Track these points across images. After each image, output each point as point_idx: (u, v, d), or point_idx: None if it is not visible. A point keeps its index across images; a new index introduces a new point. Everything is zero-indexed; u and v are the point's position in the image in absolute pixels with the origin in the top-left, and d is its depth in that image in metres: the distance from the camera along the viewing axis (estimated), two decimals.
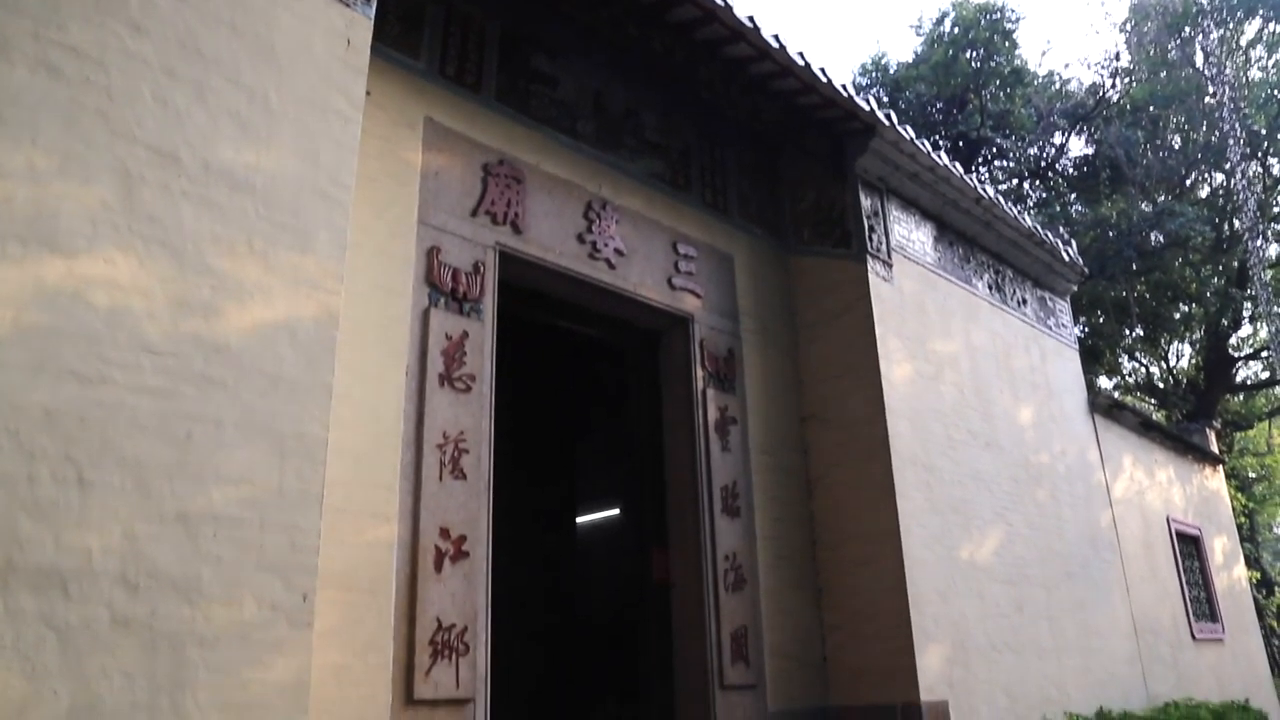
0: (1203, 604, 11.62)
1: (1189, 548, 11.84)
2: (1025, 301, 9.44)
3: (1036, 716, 6.90)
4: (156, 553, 3.21)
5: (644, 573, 6.18)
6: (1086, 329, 20.87)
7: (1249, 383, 24.96)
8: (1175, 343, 24.01)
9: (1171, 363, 24.53)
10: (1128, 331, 21.68)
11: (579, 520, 8.34)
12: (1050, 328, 9.79)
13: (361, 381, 4.43)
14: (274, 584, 3.49)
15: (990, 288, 8.82)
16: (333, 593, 3.98)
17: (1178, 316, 21.91)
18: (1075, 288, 10.66)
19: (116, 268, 3.33)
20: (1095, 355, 20.94)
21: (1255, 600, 16.20)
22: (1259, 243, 20.35)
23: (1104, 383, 20.71)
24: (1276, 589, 26.76)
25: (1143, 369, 24.63)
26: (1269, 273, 22.25)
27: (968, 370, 7.86)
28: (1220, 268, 20.23)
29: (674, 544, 6.10)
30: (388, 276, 4.75)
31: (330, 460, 3.86)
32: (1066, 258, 9.88)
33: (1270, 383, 23.74)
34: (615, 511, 7.54)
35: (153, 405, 3.31)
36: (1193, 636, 10.86)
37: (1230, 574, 13.18)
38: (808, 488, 6.85)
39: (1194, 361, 23.99)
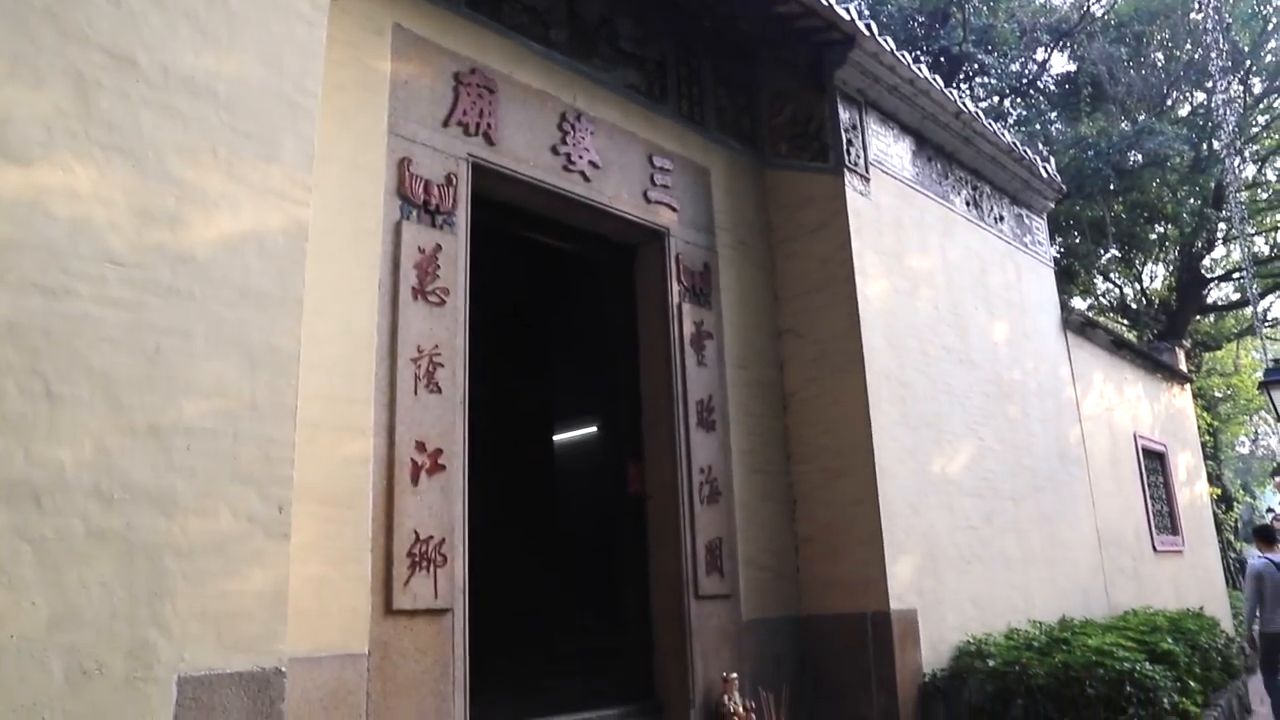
0: (1165, 518, 11.93)
1: (1154, 463, 12.11)
2: (1002, 218, 9.42)
3: (1002, 624, 7.10)
4: (129, 465, 3.20)
5: (620, 486, 6.24)
6: (1063, 249, 20.92)
7: (1219, 304, 25.26)
8: (1149, 264, 24.17)
9: (1145, 283, 24.73)
10: (1103, 252, 21.78)
11: (556, 434, 8.39)
12: (1026, 245, 9.80)
13: (333, 295, 4.38)
14: (249, 496, 3.50)
15: (968, 204, 8.79)
16: (310, 506, 4.00)
17: (1153, 237, 22.01)
18: (1052, 205, 10.65)
19: (75, 177, 3.24)
20: (1070, 275, 21.05)
21: (1215, 515, 16.63)
22: (1236, 162, 20.38)
23: (1078, 303, 20.83)
24: (1235, 505, 27.50)
25: (1116, 290, 24.82)
26: (1244, 194, 22.35)
27: (943, 286, 7.88)
28: (1197, 188, 20.23)
29: (649, 457, 6.15)
30: (358, 188, 4.66)
31: (303, 374, 3.84)
32: (1044, 174, 9.84)
33: (1240, 304, 23.99)
34: (592, 426, 7.59)
35: (119, 317, 3.27)
36: (1154, 549, 11.18)
37: (1192, 489, 13.52)
38: (782, 402, 6.90)
39: (1167, 282, 24.18)
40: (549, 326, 7.91)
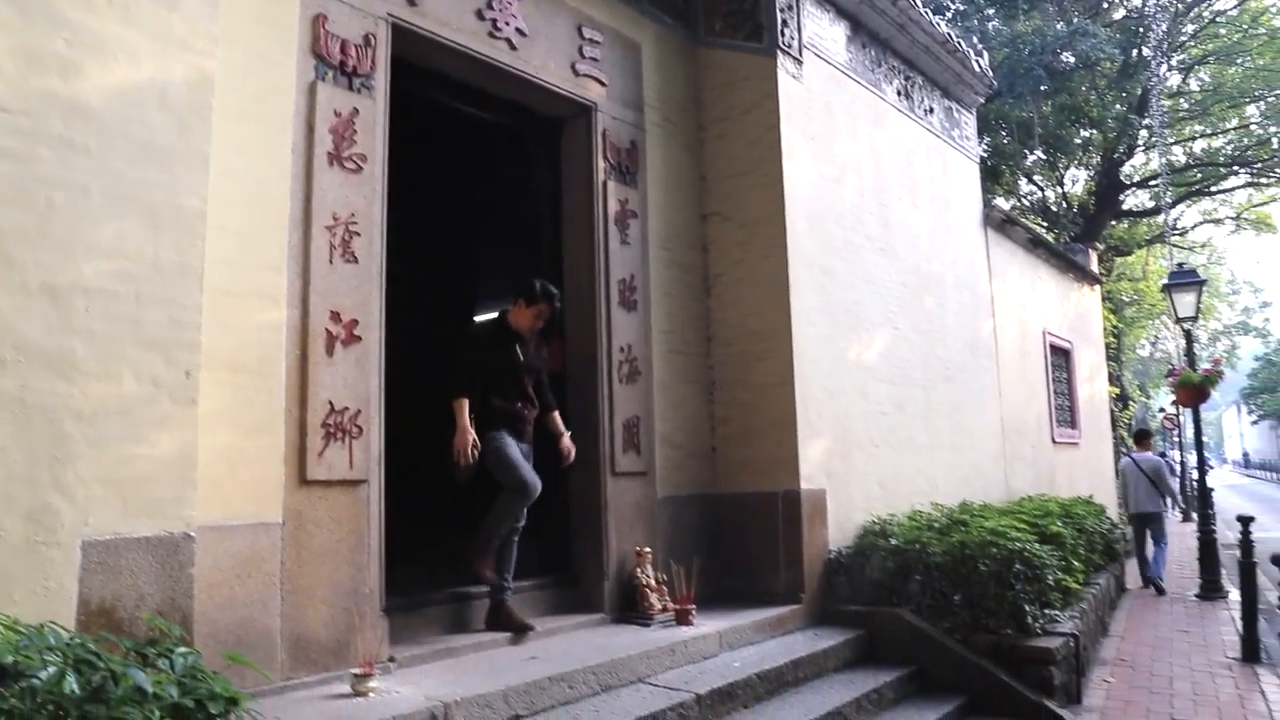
0: (1065, 412, 12.47)
1: (1060, 359, 12.58)
2: (932, 110, 9.43)
3: (906, 506, 7.40)
4: (24, 325, 3.08)
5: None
6: (990, 148, 21.12)
7: (1135, 211, 25.94)
8: (1073, 167, 24.61)
9: (1066, 187, 25.21)
10: (1029, 153, 22.04)
11: (480, 312, 8.29)
12: (954, 139, 9.85)
13: (243, 157, 4.18)
14: (154, 360, 3.41)
15: (899, 94, 8.76)
16: (220, 374, 3.92)
17: (1078, 141, 22.31)
18: (982, 100, 10.68)
19: None
20: (996, 175, 21.32)
21: (1111, 412, 17.46)
22: (1163, 70, 20.62)
23: (1002, 203, 21.16)
24: (1131, 404, 28.83)
25: (1039, 192, 25.26)
26: (1167, 102, 22.73)
27: (870, 175, 7.91)
28: (1124, 94, 20.48)
29: (570, 336, 6.15)
30: (268, 45, 4.40)
31: (212, 239, 3.70)
32: (977, 68, 9.83)
33: (1153, 211, 24.66)
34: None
35: (5, 169, 3.09)
36: (1053, 440, 11.72)
37: (1093, 386, 14.12)
38: (705, 284, 6.93)
39: (1087, 187, 24.69)
40: (473, 201, 7.72)
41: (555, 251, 6.35)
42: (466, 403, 5.07)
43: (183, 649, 2.91)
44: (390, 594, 4.70)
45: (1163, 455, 10.43)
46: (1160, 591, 10.53)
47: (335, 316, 4.45)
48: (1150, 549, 10.86)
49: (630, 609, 5.80)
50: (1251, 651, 6.96)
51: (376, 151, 4.77)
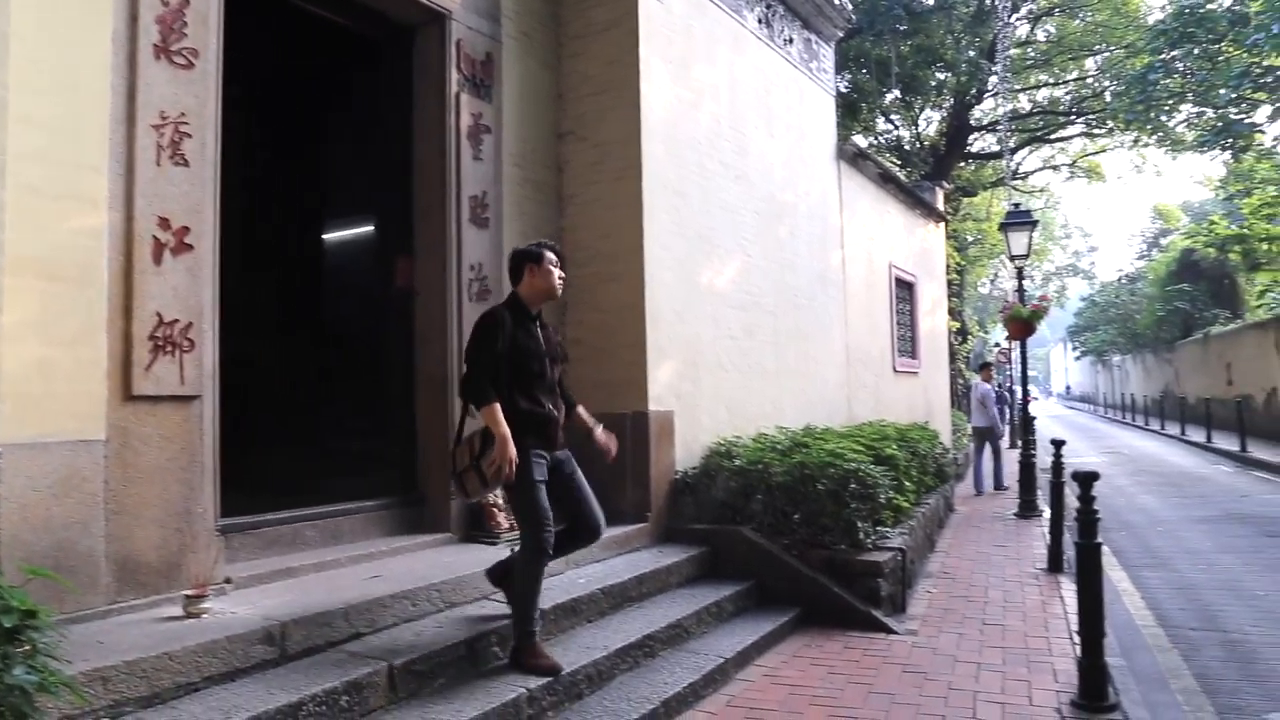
0: (907, 342, 13.06)
1: (904, 292, 13.12)
2: (792, 41, 9.51)
3: (752, 429, 7.63)
4: None
5: (388, 280, 6.07)
6: (851, 85, 21.55)
7: (981, 154, 27.11)
8: (927, 109, 25.42)
9: (920, 128, 26.07)
10: (886, 91, 22.61)
11: (328, 226, 7.98)
12: (812, 71, 9.98)
13: (55, 43, 3.83)
14: None
15: (760, 22, 8.79)
16: (30, 280, 3.65)
17: (934, 84, 23.00)
18: (841, 34, 10.84)
19: None
20: (855, 112, 21.81)
21: (951, 345, 18.44)
22: (1012, 18, 21.39)
23: (860, 140, 21.71)
24: (970, 338, 30.45)
25: (895, 131, 26.04)
26: (1015, 50, 23.65)
27: (727, 102, 7.95)
28: (977, 39, 21.17)
29: (420, 253, 5.99)
30: None
31: (16, 130, 3.42)
32: (837, 1, 9.94)
33: (996, 155, 25.81)
34: (365, 219, 7.26)
35: None
36: (894, 369, 12.27)
37: (934, 319, 14.82)
38: (559, 204, 6.87)
39: (939, 128, 25.59)
40: (322, 109, 7.35)
41: (406, 164, 6.14)
42: (498, 406, 4.09)
43: None
44: (226, 514, 4.56)
45: (1007, 387, 11.88)
46: (979, 492, 13.10)
47: (164, 223, 4.19)
48: (987, 459, 13.41)
49: (478, 528, 5.81)
50: (1056, 562, 7.57)
51: (210, 47, 4.46)
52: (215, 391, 4.41)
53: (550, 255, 4.40)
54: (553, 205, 6.82)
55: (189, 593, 3.89)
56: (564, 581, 5.26)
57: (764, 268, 8.32)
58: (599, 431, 4.70)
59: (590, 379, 6.66)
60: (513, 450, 4.04)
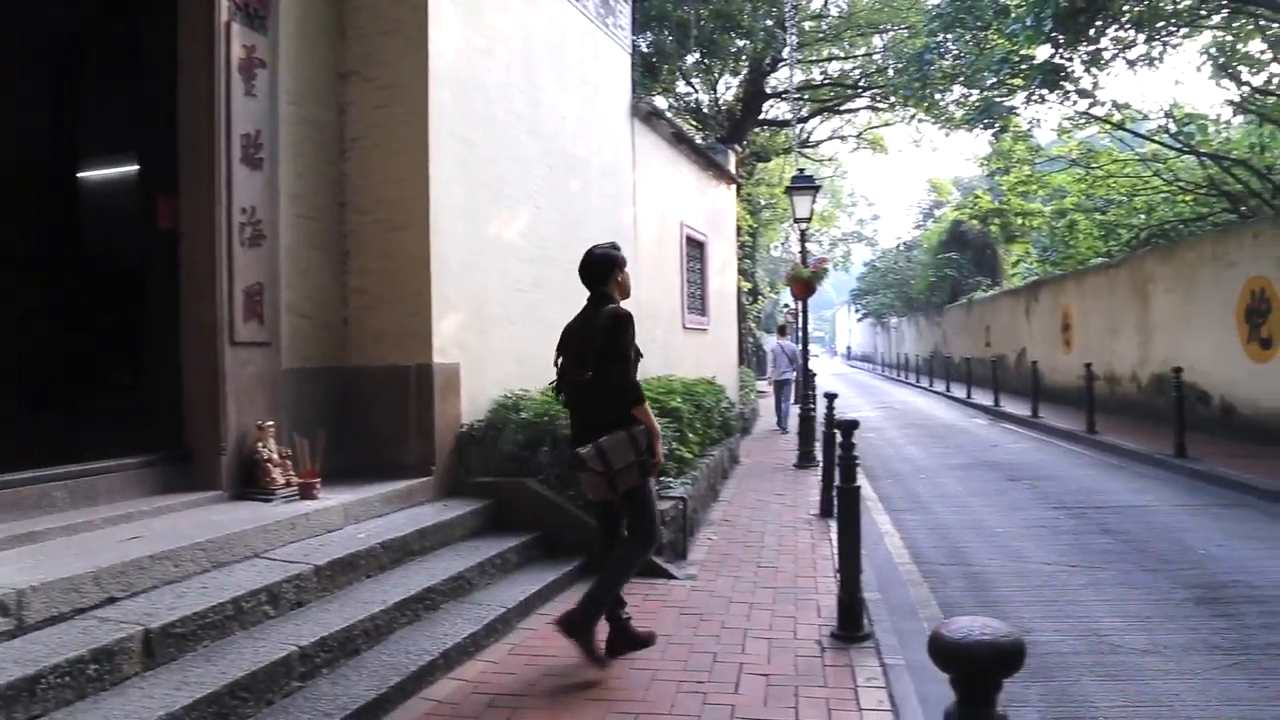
0: (697, 300, 13.45)
1: (695, 251, 13.48)
2: None
3: (542, 381, 7.62)
4: None
5: (151, 222, 5.62)
6: (653, 46, 21.73)
7: (776, 120, 28.13)
8: (726, 74, 26.06)
9: (719, 92, 26.72)
10: (687, 55, 22.98)
11: (87, 163, 7.29)
12: (608, 26, 9.98)
13: None
14: None
15: None
16: None
17: (733, 50, 23.55)
18: None
19: None
20: (654, 73, 22.04)
21: (742, 305, 19.15)
22: None
23: (661, 101, 21.98)
24: (761, 298, 31.74)
25: (695, 94, 26.56)
26: (810, 22, 24.58)
27: (521, 52, 7.83)
28: (774, 8, 21.79)
29: (185, 192, 5.54)
30: None
31: None
32: None
33: (786, 123, 26.85)
34: (124, 156, 6.67)
35: None
36: (684, 326, 12.62)
37: (723, 278, 15.33)
38: (341, 147, 6.55)
39: (736, 94, 26.32)
40: (79, 40, 6.67)
41: (171, 98, 5.65)
42: (646, 403, 4.27)
43: None
44: None
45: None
46: (784, 431, 15.26)
47: None
48: (785, 405, 15.97)
49: (251, 485, 5.53)
50: (828, 508, 8.06)
51: None
52: None
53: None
54: (334, 148, 6.50)
55: None
56: (342, 537, 5.12)
57: (555, 221, 8.30)
58: None
59: (373, 329, 6.47)
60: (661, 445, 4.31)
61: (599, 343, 4.24)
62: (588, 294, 4.51)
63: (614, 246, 4.60)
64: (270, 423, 5.63)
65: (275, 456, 5.59)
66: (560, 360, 4.52)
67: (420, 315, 6.34)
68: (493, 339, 7.14)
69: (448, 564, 5.30)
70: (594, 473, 4.20)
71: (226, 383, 5.49)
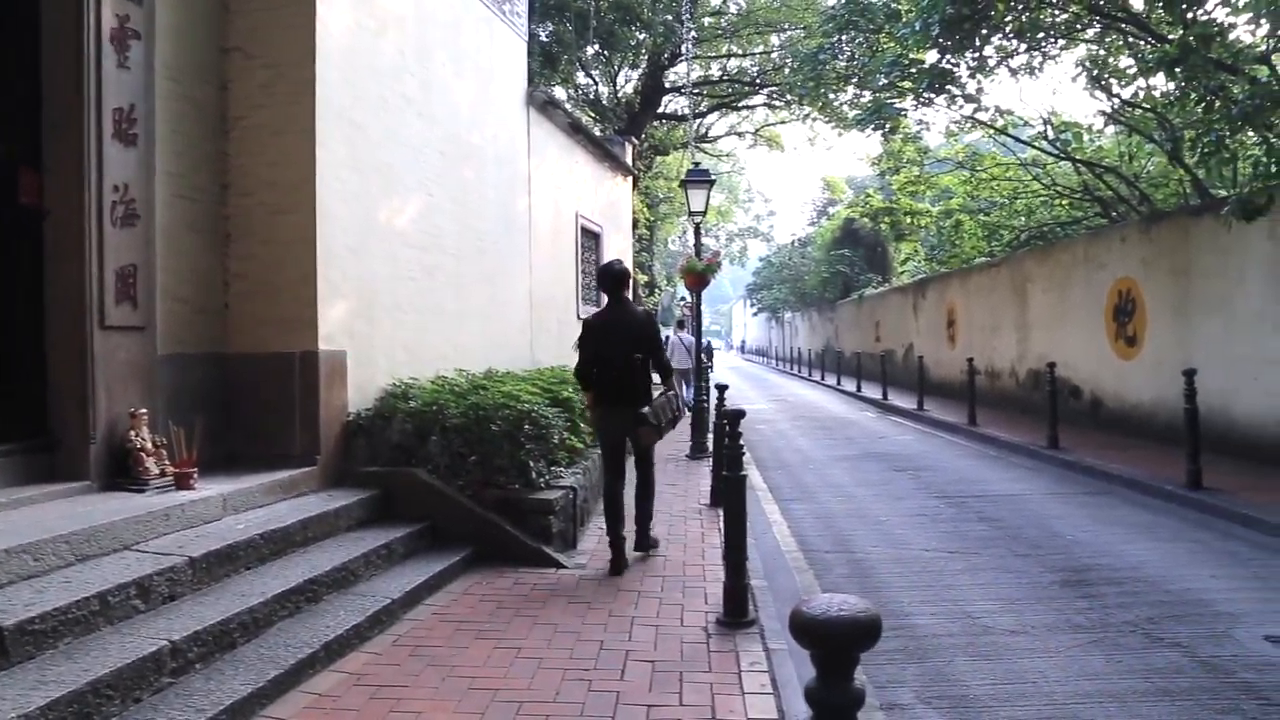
0: (591, 290, 13.44)
1: (590, 242, 13.48)
2: None
3: (433, 371, 7.55)
4: None
5: (11, 196, 5.30)
6: (553, 36, 21.58)
7: (674, 114, 28.30)
8: (625, 67, 26.06)
9: (618, 85, 26.71)
10: (587, 47, 22.89)
11: None
12: (504, 13, 9.89)
13: None
14: None
15: None
16: None
17: (632, 42, 23.56)
18: None
19: None
20: (554, 63, 21.90)
21: (639, 296, 19.22)
22: None
23: (560, 92, 21.85)
24: (658, 290, 31.95)
25: (595, 86, 26.50)
26: (709, 19, 24.80)
27: (414, 35, 7.68)
28: (673, 2, 21.88)
29: (51, 167, 5.24)
30: None
31: None
32: None
33: (682, 118, 27.07)
34: None
35: None
36: (578, 316, 12.61)
37: None
38: (222, 126, 6.31)
39: (635, 87, 26.37)
40: None
41: (34, 67, 5.33)
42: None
43: None
44: None
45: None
46: (687, 410, 15.25)
47: None
48: (687, 391, 15.90)
49: (123, 475, 5.30)
50: (718, 498, 8.17)
51: None
52: None
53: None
54: (215, 126, 6.26)
55: None
56: (220, 528, 4.97)
57: (448, 209, 8.19)
58: None
59: (257, 315, 6.28)
60: None
61: (649, 334, 6.19)
62: (605, 297, 6.34)
63: (619, 262, 6.50)
64: (144, 410, 5.40)
65: (149, 445, 5.37)
66: (597, 347, 6.09)
67: (305, 302, 6.17)
68: (382, 327, 7.01)
69: (332, 555, 5.20)
70: (650, 426, 6.00)
71: (96, 368, 5.23)
